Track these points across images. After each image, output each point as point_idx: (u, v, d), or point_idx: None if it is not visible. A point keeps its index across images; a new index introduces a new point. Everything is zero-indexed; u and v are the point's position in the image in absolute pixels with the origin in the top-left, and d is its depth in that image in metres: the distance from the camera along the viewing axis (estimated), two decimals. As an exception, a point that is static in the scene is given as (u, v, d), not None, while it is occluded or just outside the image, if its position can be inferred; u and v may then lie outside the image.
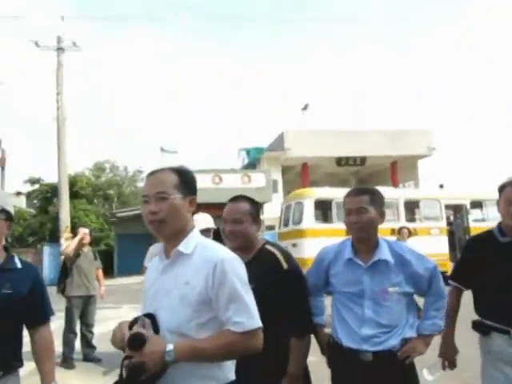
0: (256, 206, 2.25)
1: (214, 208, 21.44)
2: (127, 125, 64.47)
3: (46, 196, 24.42)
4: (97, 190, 27.89)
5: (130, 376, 1.38)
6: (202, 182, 20.46)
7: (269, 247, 2.22)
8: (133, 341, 1.38)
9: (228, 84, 78.75)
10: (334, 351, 2.18)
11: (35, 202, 25.36)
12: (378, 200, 2.11)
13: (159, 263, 1.63)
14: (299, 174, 25.25)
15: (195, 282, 1.47)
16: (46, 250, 20.04)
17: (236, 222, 2.15)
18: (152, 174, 1.61)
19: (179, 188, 1.54)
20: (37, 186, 24.84)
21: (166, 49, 77.49)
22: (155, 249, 4.01)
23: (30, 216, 24.34)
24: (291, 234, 12.72)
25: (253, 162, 25.14)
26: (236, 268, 1.49)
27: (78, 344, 5.78)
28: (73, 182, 22.50)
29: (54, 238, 19.97)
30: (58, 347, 5.63)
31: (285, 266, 2.13)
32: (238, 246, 2.11)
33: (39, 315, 2.10)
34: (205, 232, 3.44)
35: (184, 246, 1.53)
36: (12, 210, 2.06)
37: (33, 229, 22.43)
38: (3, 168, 18.56)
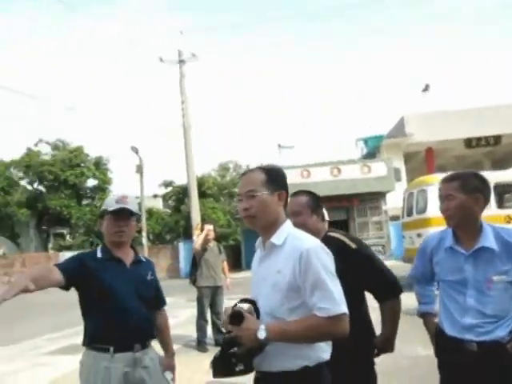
0: (315, 198, 2.35)
1: (333, 200, 21.18)
2: (246, 125, 66.94)
3: (178, 197, 26.79)
4: (222, 189, 29.68)
5: (226, 347, 1.60)
6: (321, 175, 20.56)
7: (332, 234, 2.31)
8: (232, 317, 1.60)
9: (341, 74, 77.11)
10: (439, 340, 2.14)
11: (170, 202, 27.94)
12: (472, 185, 2.00)
13: (259, 254, 1.81)
14: (424, 160, 23.80)
15: (285, 271, 1.60)
16: (181, 245, 22.01)
17: (295, 214, 2.24)
18: (244, 174, 1.79)
19: (267, 185, 1.68)
20: (170, 189, 27.37)
21: (279, 48, 78.72)
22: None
23: (166, 215, 26.87)
24: (416, 224, 12.10)
25: (372, 152, 24.39)
26: (321, 257, 1.59)
27: (210, 330, 6.34)
28: (200, 183, 24.29)
29: (188, 234, 21.84)
30: (193, 332, 6.28)
31: (353, 246, 2.22)
32: None
33: (161, 300, 2.51)
34: None
35: (276, 238, 1.68)
36: (139, 212, 2.44)
37: (169, 227, 24.82)
38: (141, 174, 20.78)
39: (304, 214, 2.27)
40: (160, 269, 20.96)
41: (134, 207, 2.30)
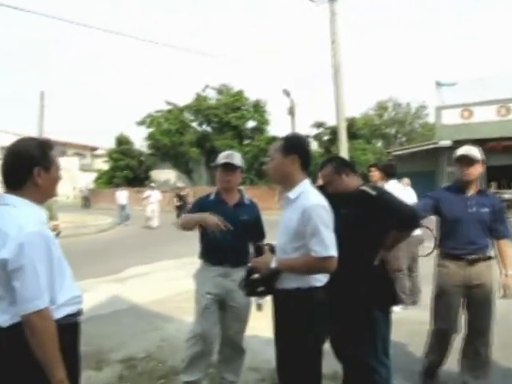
0: (342, 163, 2.78)
1: (499, 143, 19.01)
2: (405, 61, 61.04)
3: (329, 138, 27.12)
4: (374, 130, 28.87)
5: (248, 273, 2.25)
6: (484, 115, 18.49)
7: (361, 187, 2.64)
8: (256, 251, 2.27)
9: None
10: None
11: (322, 142, 28.50)
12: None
13: (284, 204, 2.35)
14: None
15: (294, 219, 2.15)
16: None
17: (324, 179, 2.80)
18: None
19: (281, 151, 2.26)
20: (321, 129, 27.85)
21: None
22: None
23: (318, 155, 27.60)
24: None
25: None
26: (318, 212, 2.08)
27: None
28: (351, 124, 24.14)
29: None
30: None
31: (373, 193, 2.56)
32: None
33: (261, 234, 3.04)
34: None
35: (292, 193, 2.23)
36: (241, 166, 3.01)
37: (320, 167, 25.56)
38: (293, 116, 21.68)
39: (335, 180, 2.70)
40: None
41: (237, 162, 2.93)
